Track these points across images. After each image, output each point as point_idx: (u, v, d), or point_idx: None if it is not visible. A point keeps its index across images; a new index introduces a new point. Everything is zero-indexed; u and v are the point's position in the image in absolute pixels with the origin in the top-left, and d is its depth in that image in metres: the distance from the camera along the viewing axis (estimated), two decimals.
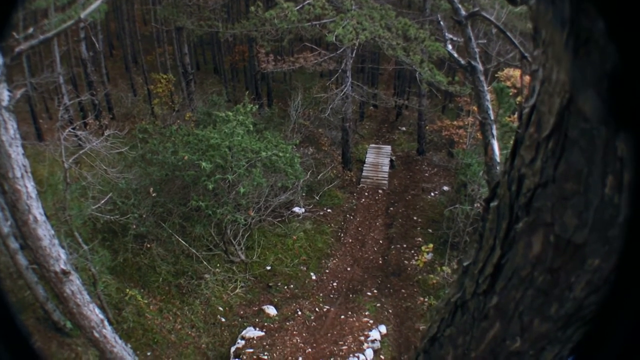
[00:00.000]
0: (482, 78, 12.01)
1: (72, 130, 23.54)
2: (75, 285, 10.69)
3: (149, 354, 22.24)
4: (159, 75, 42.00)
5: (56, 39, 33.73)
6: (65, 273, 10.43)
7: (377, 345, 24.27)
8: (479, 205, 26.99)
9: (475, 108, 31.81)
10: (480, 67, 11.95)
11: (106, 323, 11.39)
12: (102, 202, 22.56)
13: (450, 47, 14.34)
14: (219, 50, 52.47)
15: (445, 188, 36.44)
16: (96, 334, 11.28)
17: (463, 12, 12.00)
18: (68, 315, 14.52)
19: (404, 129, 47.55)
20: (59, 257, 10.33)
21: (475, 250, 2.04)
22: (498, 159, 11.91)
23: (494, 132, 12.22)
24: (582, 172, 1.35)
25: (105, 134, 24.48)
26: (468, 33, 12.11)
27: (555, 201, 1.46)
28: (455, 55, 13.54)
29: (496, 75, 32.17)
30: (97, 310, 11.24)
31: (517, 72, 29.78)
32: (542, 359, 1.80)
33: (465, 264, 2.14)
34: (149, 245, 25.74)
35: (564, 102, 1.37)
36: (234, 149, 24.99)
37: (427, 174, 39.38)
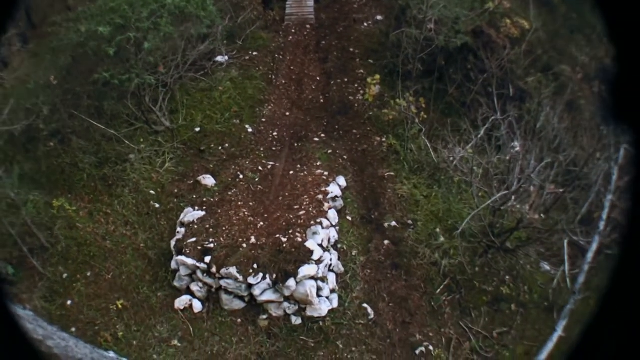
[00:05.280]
0: None
1: None
2: None
3: (88, 274, 20.17)
4: None
5: None
6: None
7: (340, 203, 21.89)
8: (430, 28, 24.50)
9: None
10: None
11: None
12: (6, 112, 21.01)
13: None
14: None
15: (379, 17, 33.90)
16: None
17: None
18: None
19: None
20: None
21: None
22: None
23: None
24: None
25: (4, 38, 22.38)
26: None
27: None
28: None
29: None
30: None
31: None
32: None
33: None
34: (52, 144, 23.50)
35: None
36: (135, 4, 22.41)
37: (356, 5, 36.46)
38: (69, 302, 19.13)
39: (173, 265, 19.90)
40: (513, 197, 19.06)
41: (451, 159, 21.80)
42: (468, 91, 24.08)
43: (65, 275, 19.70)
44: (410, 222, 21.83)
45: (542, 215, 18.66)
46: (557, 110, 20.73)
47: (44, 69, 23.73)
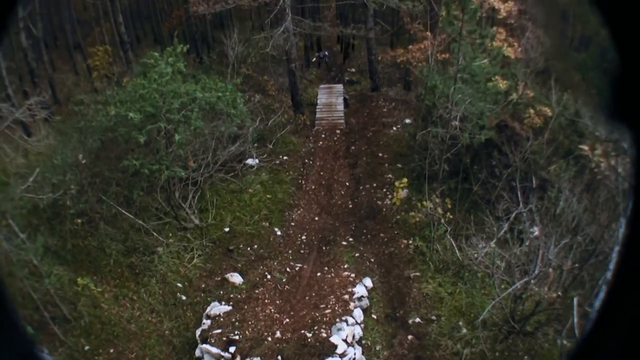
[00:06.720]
0: None
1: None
2: None
3: (111, 351, 20.24)
4: (95, 48, 39.63)
5: None
6: None
7: (366, 302, 21.97)
8: (455, 126, 24.71)
9: (429, 33, 29.60)
10: None
11: None
12: (31, 180, 21.10)
13: None
14: (157, 21, 50.10)
15: (408, 121, 34.68)
16: None
17: None
18: None
19: (353, 70, 45.17)
20: None
21: None
22: None
23: None
24: None
25: (27, 103, 23.88)
26: None
27: None
28: None
29: None
30: None
31: None
32: None
33: None
34: (79, 222, 23.43)
35: None
36: (165, 94, 22.56)
37: (385, 109, 37.56)
38: None
39: (197, 353, 19.99)
40: (532, 282, 19.09)
41: (475, 255, 21.89)
42: (492, 187, 24.15)
43: (87, 348, 19.80)
44: (434, 317, 21.78)
45: (559, 293, 18.60)
46: (576, 192, 20.83)
47: (71, 148, 24.03)
